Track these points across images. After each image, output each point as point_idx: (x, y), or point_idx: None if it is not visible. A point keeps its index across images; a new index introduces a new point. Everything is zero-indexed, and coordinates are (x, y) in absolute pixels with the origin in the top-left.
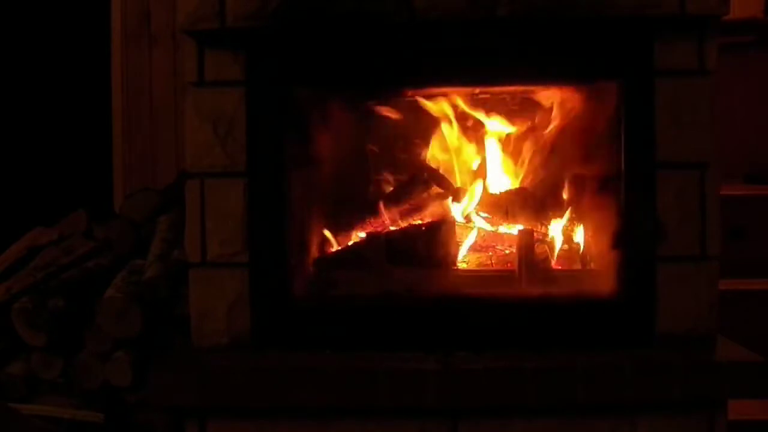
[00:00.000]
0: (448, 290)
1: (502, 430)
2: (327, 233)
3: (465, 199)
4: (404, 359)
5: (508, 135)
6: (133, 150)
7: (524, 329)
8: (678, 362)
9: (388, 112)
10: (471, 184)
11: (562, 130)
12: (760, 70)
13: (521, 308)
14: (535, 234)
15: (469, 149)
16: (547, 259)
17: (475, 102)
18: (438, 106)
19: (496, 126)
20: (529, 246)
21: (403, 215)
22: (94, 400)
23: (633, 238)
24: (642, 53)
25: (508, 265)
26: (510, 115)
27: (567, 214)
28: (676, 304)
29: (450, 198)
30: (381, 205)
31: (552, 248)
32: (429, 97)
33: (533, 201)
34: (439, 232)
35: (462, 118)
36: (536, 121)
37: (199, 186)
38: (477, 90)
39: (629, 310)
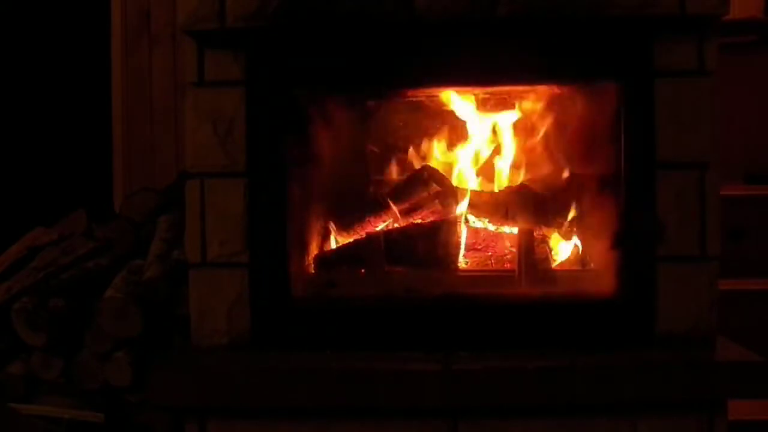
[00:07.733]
0: (448, 290)
1: (502, 430)
2: (327, 233)
3: (465, 199)
4: (404, 359)
5: (508, 134)
6: (133, 150)
7: (524, 329)
8: (678, 362)
9: (388, 112)
10: (471, 183)
11: (562, 130)
12: (760, 70)
13: (521, 308)
14: (535, 234)
15: (469, 149)
16: (547, 259)
17: (475, 102)
18: (438, 105)
19: (496, 126)
20: (529, 246)
21: (403, 215)
22: (94, 400)
23: (633, 238)
24: (642, 53)
25: (508, 265)
26: (510, 115)
27: (567, 214)
28: (676, 304)
29: (450, 197)
30: (381, 204)
31: (552, 248)
32: (429, 97)
33: (533, 200)
34: (439, 231)
35: (461, 117)
36: (536, 120)
37: (199, 186)
38: (477, 90)
39: (629, 310)
